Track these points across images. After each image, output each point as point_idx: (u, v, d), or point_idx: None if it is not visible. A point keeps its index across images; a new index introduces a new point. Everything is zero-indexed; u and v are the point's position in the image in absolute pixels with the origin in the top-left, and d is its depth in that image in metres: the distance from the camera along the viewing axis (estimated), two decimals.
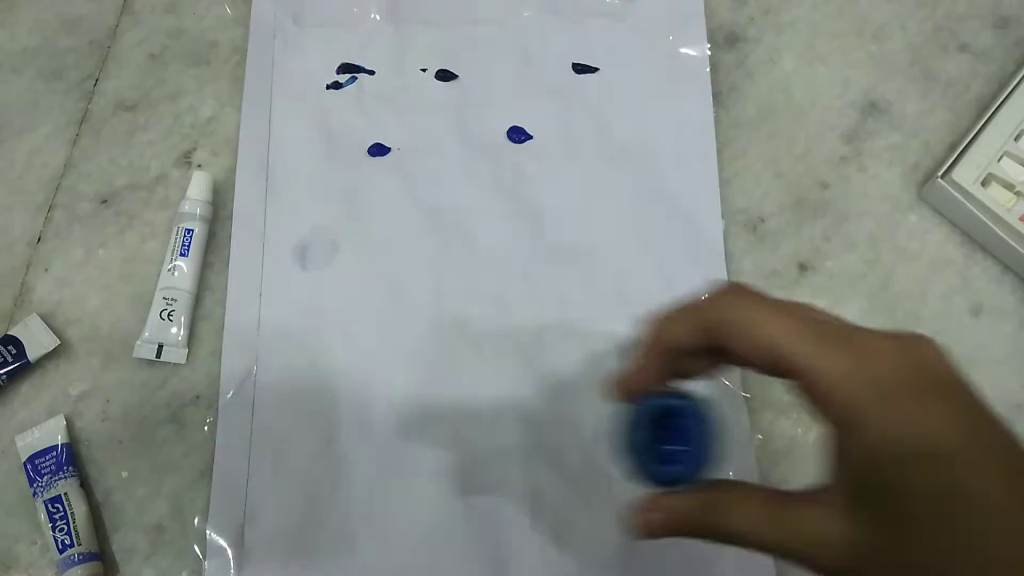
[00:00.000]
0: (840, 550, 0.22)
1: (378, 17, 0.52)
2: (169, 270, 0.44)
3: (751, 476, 0.41)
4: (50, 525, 0.39)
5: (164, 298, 0.44)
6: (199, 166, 0.49)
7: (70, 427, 0.42)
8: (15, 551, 0.41)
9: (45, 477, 0.40)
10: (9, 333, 0.43)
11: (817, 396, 0.23)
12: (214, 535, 0.40)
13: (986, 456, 0.21)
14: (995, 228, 0.44)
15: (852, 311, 0.45)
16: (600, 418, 0.42)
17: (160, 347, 0.43)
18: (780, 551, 0.24)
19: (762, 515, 0.24)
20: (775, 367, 0.24)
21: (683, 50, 0.50)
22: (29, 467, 0.41)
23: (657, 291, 0.44)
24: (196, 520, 0.41)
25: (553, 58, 0.51)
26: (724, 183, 0.48)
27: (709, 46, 0.51)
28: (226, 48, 0.52)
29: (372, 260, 0.46)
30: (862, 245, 0.46)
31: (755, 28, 0.52)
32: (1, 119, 0.51)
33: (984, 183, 0.46)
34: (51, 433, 0.42)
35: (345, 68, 0.51)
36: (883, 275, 0.46)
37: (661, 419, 0.27)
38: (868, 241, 0.46)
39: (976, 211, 0.45)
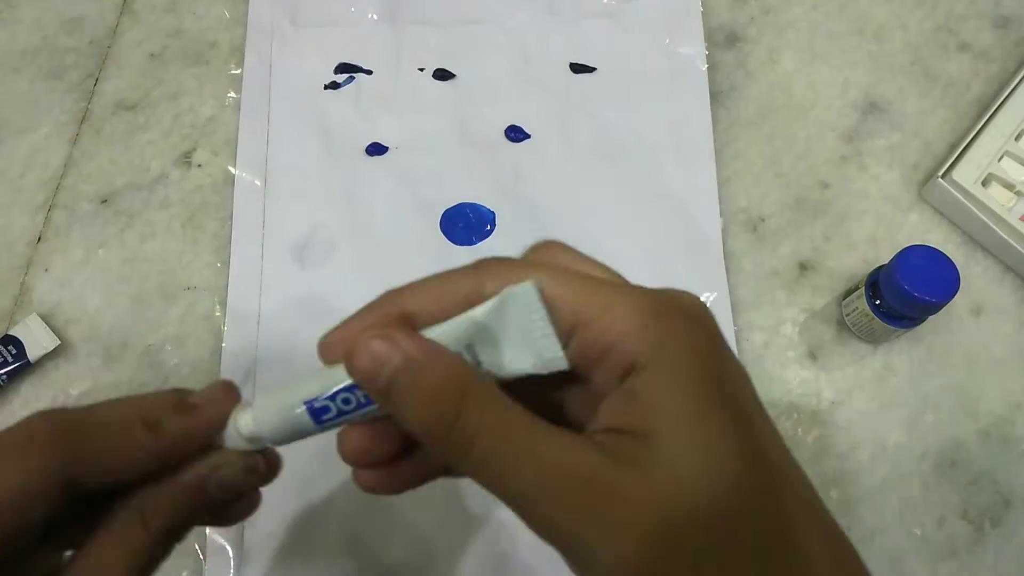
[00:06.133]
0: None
1: (375, 17, 0.52)
2: None
3: None
4: None
5: None
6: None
7: None
8: None
9: None
10: (9, 333, 0.43)
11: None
12: (214, 535, 0.40)
13: None
14: (995, 228, 0.44)
15: None
16: None
17: None
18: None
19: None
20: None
21: (680, 50, 0.50)
22: None
23: None
24: None
25: (551, 58, 0.51)
26: (724, 183, 0.48)
27: (706, 45, 0.51)
28: (226, 48, 0.52)
29: (371, 259, 0.46)
30: (862, 245, 0.46)
31: (755, 28, 0.52)
32: (1, 119, 0.51)
33: (984, 183, 0.46)
34: None
35: (343, 68, 0.51)
36: None
37: None
38: (868, 241, 0.46)
39: (976, 211, 0.45)
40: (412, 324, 0.21)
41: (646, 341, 0.19)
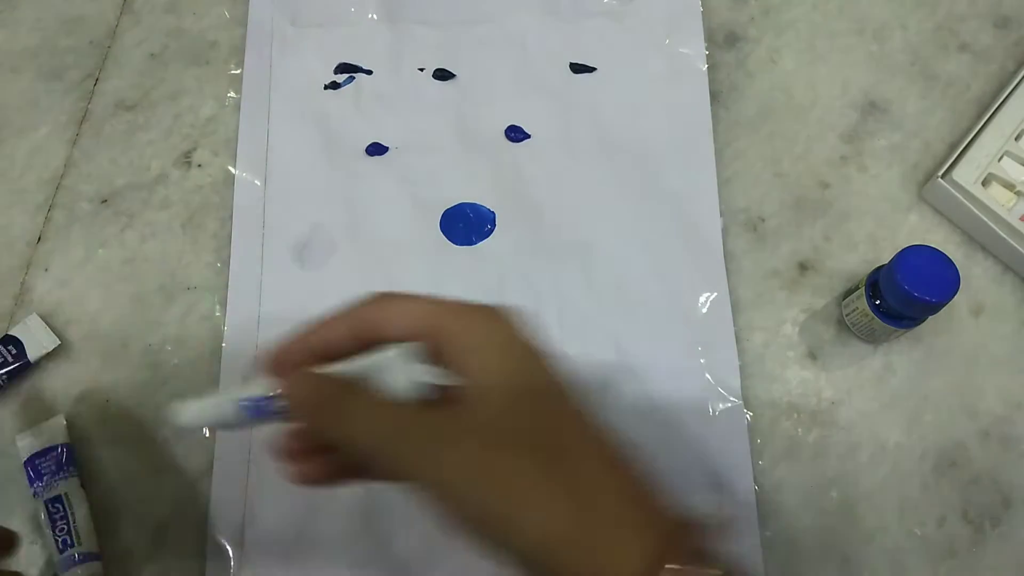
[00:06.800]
0: None
1: (375, 17, 0.52)
2: None
3: (748, 480, 0.41)
4: (50, 525, 0.39)
5: None
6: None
7: (70, 427, 0.42)
8: None
9: (45, 477, 0.40)
10: (9, 333, 0.43)
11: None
12: (214, 535, 0.40)
13: None
14: (995, 228, 0.44)
15: None
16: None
17: None
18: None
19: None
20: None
21: (681, 50, 0.50)
22: (29, 467, 0.41)
23: (656, 290, 0.44)
24: (196, 520, 0.41)
25: (551, 58, 0.51)
26: (724, 183, 0.48)
27: (706, 45, 0.51)
28: (226, 48, 0.52)
29: (370, 259, 0.46)
30: (862, 245, 0.46)
31: (755, 28, 0.52)
32: (1, 119, 0.51)
33: (984, 183, 0.46)
34: (51, 433, 0.42)
35: (343, 68, 0.51)
36: None
37: None
38: (868, 241, 0.46)
39: (976, 211, 0.45)
40: (321, 357, 0.28)
41: (449, 323, 0.28)
